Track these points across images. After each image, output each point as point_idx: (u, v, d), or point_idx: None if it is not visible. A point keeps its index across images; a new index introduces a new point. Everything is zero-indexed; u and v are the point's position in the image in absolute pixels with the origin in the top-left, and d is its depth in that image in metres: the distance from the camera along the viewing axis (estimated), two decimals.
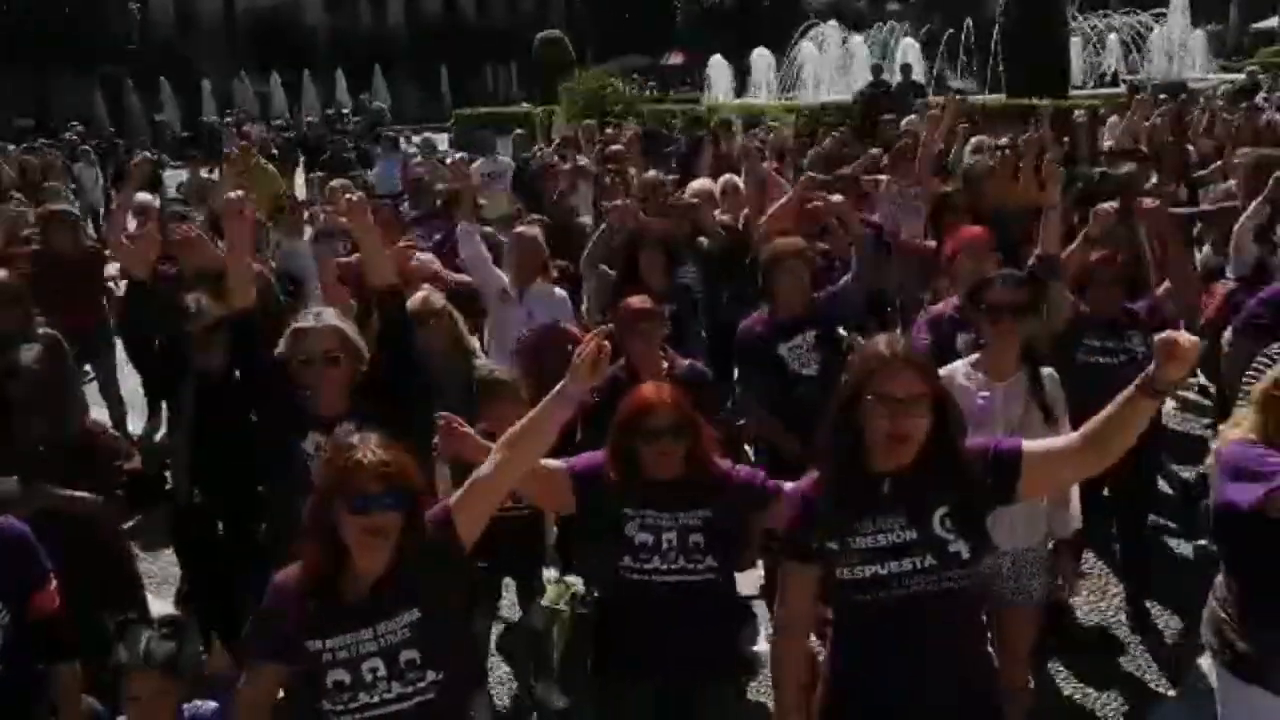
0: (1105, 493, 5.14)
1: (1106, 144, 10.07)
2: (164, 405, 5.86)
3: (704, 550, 3.22)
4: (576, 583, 4.79)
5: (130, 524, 4.95)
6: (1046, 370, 3.96)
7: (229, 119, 26.87)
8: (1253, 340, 4.45)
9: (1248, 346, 4.39)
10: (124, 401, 7.68)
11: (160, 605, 4.75)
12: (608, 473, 3.27)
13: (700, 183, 8.06)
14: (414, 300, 4.87)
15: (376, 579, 2.66)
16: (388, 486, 2.58)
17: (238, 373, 4.46)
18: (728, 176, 8.07)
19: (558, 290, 6.04)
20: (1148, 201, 5.81)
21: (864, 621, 2.77)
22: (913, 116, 10.95)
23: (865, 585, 2.70)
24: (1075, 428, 4.75)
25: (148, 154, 9.05)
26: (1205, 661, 3.31)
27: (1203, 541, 5.37)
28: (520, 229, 6.34)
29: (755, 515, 3.31)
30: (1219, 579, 3.22)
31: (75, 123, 19.98)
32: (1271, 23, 33.68)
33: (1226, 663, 3.14)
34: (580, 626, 3.75)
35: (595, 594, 3.65)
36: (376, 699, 2.63)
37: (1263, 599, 3.05)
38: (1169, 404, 7.19)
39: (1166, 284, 5.33)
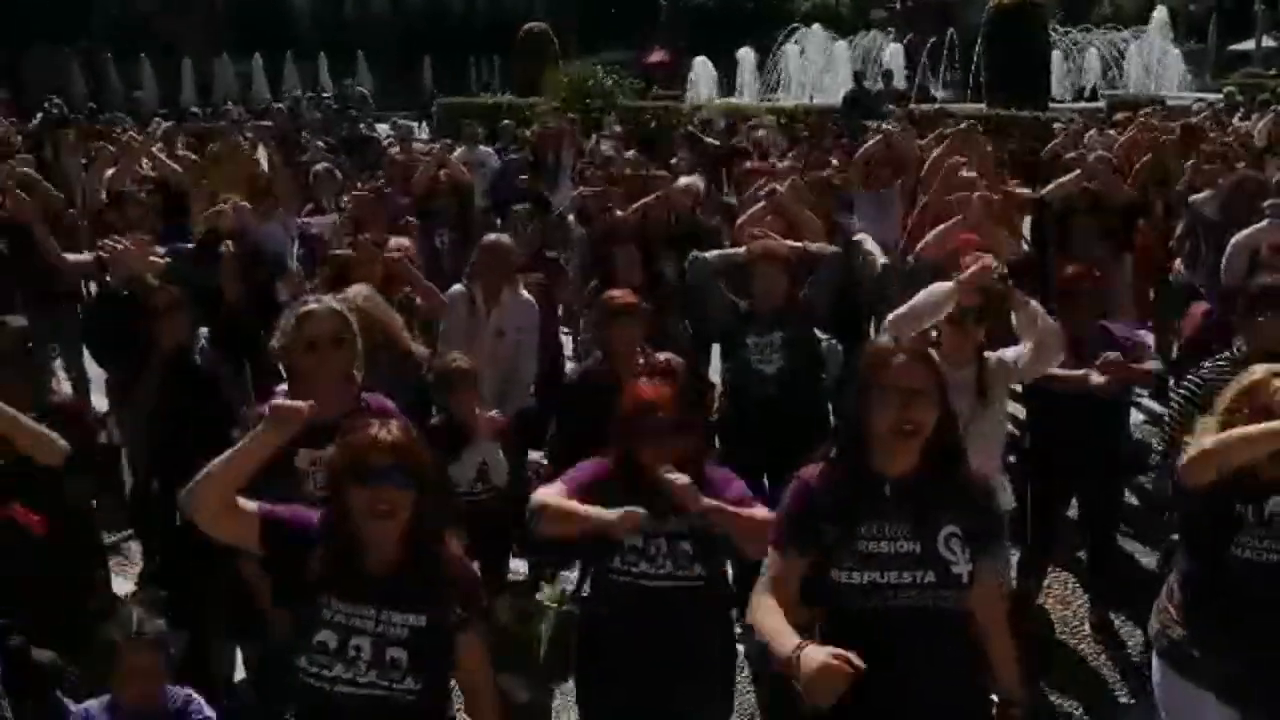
0: (1073, 503, 5.19)
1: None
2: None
3: (691, 556, 3.12)
4: (568, 578, 4.71)
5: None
6: (994, 356, 4.14)
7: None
8: None
9: None
10: (88, 376, 7.58)
11: (122, 585, 4.70)
12: (611, 478, 3.17)
13: (684, 179, 8.07)
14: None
15: (396, 564, 2.63)
16: (398, 462, 2.58)
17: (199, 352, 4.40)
18: (694, 178, 8.07)
19: (524, 295, 5.68)
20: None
21: (851, 631, 2.61)
22: (891, 124, 10.95)
23: (860, 591, 2.61)
24: (1045, 444, 4.81)
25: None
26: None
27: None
28: (489, 236, 5.99)
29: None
30: (1170, 576, 3.30)
31: (53, 96, 19.63)
32: (1248, 44, 34.06)
33: (1162, 650, 3.25)
34: (565, 623, 3.68)
35: (583, 592, 3.56)
36: (350, 675, 2.59)
37: (1200, 590, 3.16)
38: (1136, 417, 7.24)
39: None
